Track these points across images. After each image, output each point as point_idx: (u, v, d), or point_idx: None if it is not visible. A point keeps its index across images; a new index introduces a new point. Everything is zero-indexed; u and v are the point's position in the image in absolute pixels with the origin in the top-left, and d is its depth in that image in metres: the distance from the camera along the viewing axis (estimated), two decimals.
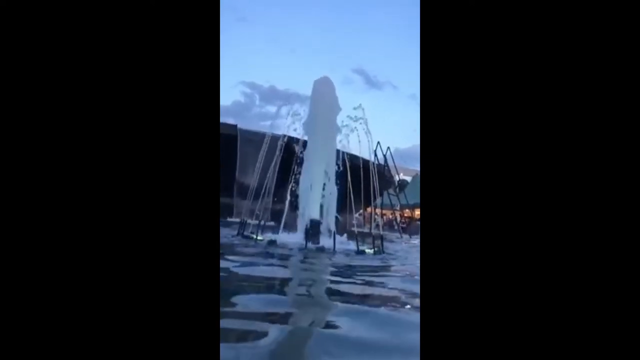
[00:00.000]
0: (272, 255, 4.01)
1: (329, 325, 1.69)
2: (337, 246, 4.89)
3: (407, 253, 5.72)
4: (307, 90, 6.36)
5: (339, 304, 2.06)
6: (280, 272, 3.10)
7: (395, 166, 13.10)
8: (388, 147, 12.99)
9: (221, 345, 0.89)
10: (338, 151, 6.19)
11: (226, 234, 5.57)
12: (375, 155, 9.41)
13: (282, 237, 5.46)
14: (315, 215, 5.60)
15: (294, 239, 5.30)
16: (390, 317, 1.92)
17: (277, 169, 6.30)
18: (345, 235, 5.91)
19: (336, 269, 3.52)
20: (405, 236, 10.49)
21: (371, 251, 5.03)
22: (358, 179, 6.46)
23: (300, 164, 6.06)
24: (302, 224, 5.68)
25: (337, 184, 5.91)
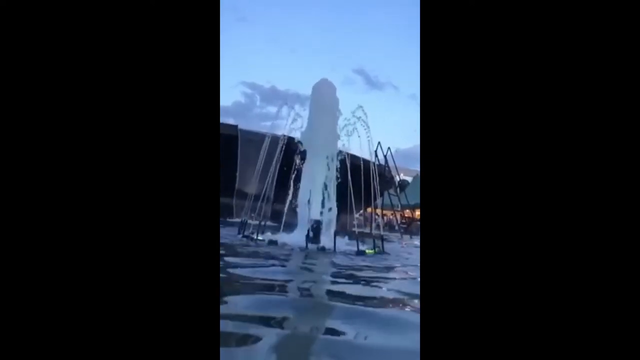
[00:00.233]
0: (272, 256, 4.01)
1: (329, 326, 1.69)
2: (337, 246, 4.89)
3: (407, 253, 5.72)
4: (308, 91, 6.36)
5: (338, 304, 2.06)
6: (280, 273, 3.10)
7: (395, 166, 13.10)
8: (389, 148, 13.02)
9: (221, 347, 0.89)
10: (339, 151, 6.18)
11: (226, 234, 5.56)
12: (376, 155, 9.42)
13: (283, 237, 5.46)
14: (316, 215, 5.60)
15: (294, 239, 5.30)
16: (390, 317, 1.92)
17: (277, 169, 6.29)
18: (346, 237, 5.91)
19: (336, 270, 3.52)
20: (406, 236, 10.48)
21: (371, 251, 5.02)
22: (359, 180, 6.45)
23: (301, 165, 6.04)
24: (302, 224, 5.68)
25: (337, 186, 5.89)
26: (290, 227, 5.99)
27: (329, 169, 5.88)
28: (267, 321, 1.62)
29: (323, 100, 6.15)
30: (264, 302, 2.00)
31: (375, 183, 6.55)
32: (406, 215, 15.92)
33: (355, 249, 4.95)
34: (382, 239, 5.73)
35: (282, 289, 2.43)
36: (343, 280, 3.00)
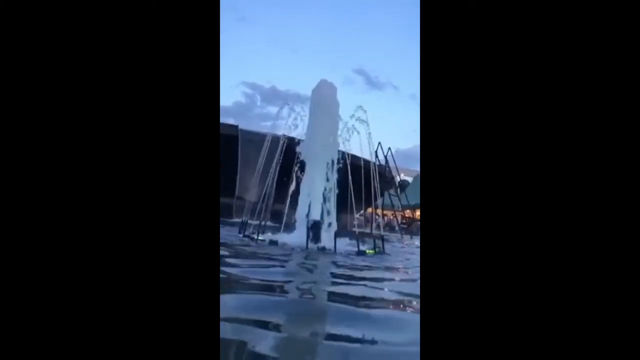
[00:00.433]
0: (272, 257, 4.01)
1: (329, 327, 1.69)
2: (338, 247, 4.89)
3: (407, 254, 5.71)
4: (308, 91, 6.34)
5: (338, 305, 2.06)
6: (280, 273, 3.10)
7: (396, 167, 13.11)
8: (389, 148, 13.03)
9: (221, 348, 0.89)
10: (339, 152, 6.16)
11: (226, 234, 5.56)
12: (376, 155, 9.41)
13: (283, 237, 5.46)
14: (317, 216, 5.59)
15: (294, 239, 5.29)
16: (390, 318, 1.92)
17: (277, 170, 6.29)
18: (347, 238, 5.90)
19: (337, 270, 3.52)
20: (406, 237, 10.48)
21: (372, 252, 5.02)
22: (359, 180, 6.44)
23: (301, 168, 6.00)
24: (302, 224, 5.67)
25: (337, 186, 5.87)
26: (290, 227, 5.98)
27: (327, 179, 5.81)
28: (266, 322, 1.62)
29: (324, 102, 6.10)
30: (264, 302, 2.00)
31: (376, 183, 6.55)
32: (406, 215, 15.90)
33: (356, 249, 4.95)
34: (383, 239, 5.73)
35: (282, 289, 2.43)
36: (343, 280, 3.00)
